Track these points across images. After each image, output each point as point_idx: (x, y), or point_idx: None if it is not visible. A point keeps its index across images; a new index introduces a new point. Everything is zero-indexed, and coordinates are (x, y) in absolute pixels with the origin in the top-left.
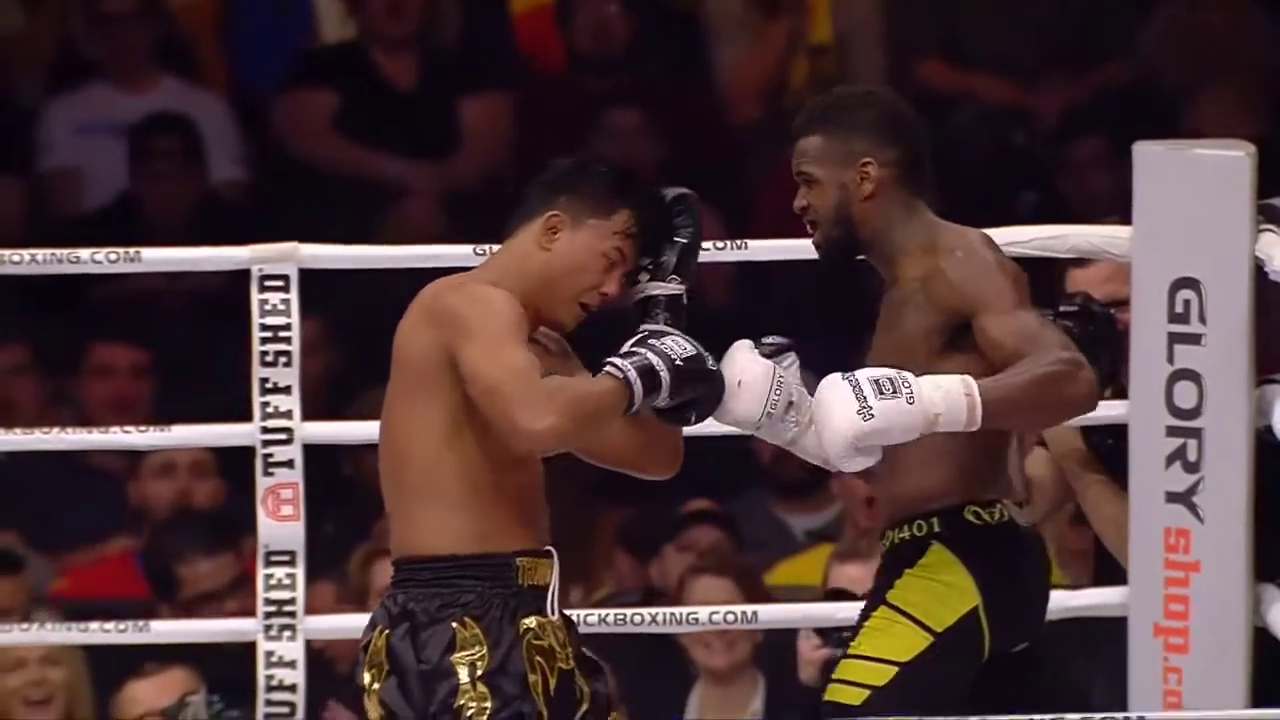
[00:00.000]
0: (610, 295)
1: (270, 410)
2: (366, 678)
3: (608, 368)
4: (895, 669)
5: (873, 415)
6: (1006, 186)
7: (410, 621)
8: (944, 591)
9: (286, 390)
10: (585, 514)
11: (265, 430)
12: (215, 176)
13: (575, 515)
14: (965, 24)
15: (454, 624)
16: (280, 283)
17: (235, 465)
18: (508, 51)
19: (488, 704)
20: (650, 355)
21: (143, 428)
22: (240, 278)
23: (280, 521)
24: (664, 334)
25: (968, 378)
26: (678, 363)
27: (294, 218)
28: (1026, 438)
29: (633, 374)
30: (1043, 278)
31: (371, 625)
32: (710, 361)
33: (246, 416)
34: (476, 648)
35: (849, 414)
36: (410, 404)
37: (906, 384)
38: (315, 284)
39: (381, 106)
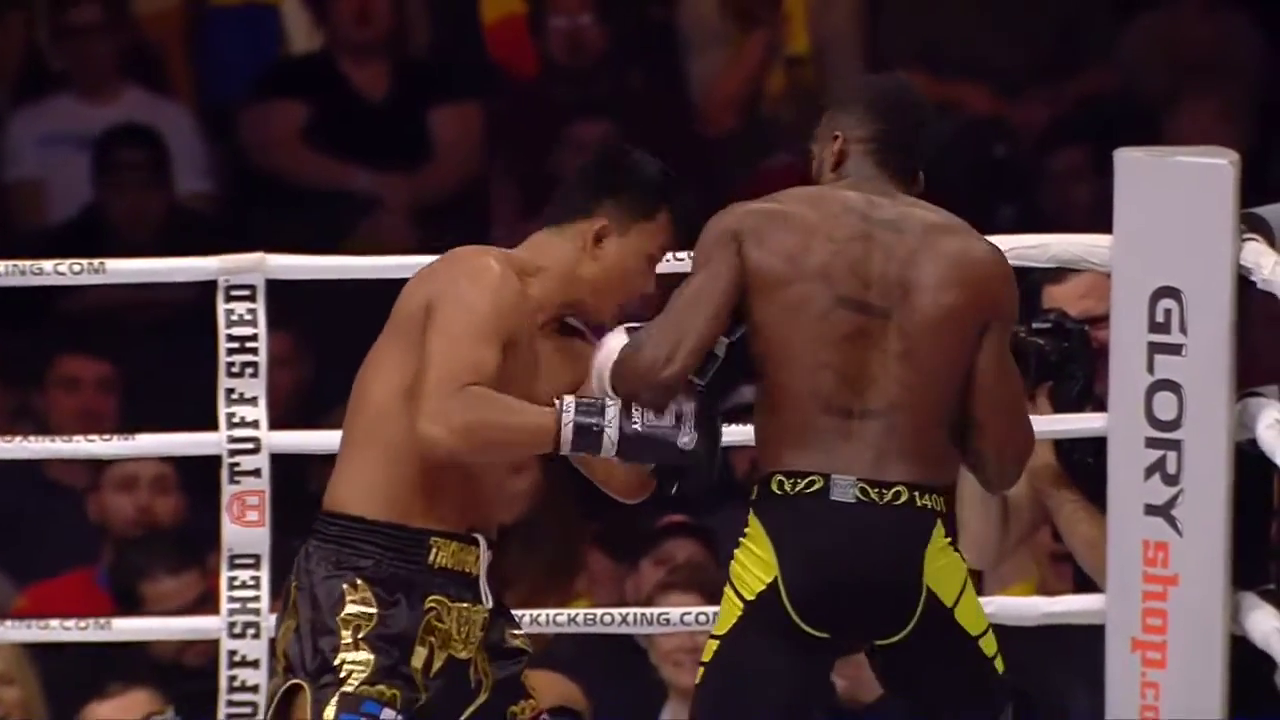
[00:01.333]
0: (649, 293)
1: (237, 420)
2: (279, 626)
3: (559, 403)
4: (717, 642)
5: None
6: (986, 198)
7: (310, 575)
8: (752, 561)
9: (253, 401)
10: (564, 524)
11: (232, 440)
12: (182, 189)
13: (553, 525)
14: (945, 33)
15: (344, 584)
16: (247, 293)
17: (199, 480)
18: (479, 61)
19: (366, 665)
20: (605, 415)
21: (107, 436)
22: (207, 291)
23: (245, 527)
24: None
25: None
26: (635, 429)
27: (262, 231)
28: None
29: (568, 427)
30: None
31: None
32: (685, 435)
33: (212, 426)
34: (365, 608)
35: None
36: (384, 354)
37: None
38: (285, 297)
39: (350, 117)
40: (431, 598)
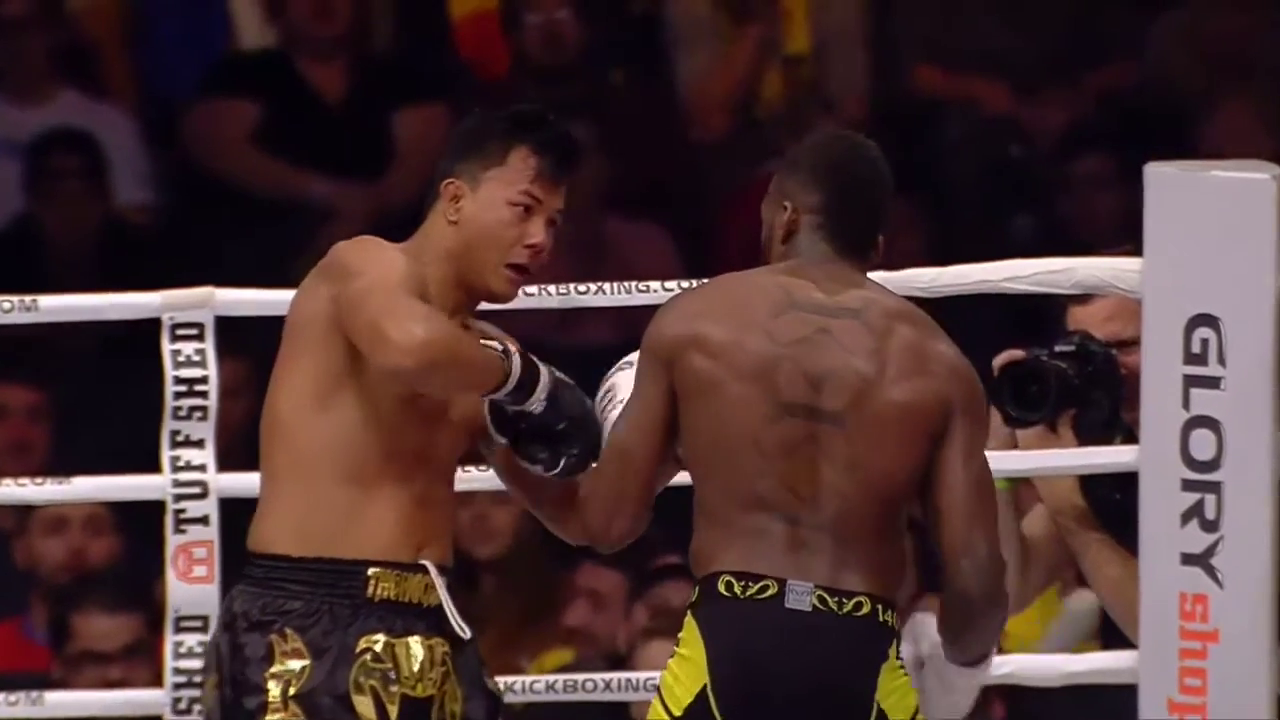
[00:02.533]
0: (540, 244)
1: (182, 464)
2: (203, 681)
3: (497, 344)
4: None
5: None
6: (1001, 207)
7: (233, 625)
8: (684, 669)
9: (200, 444)
10: (543, 562)
11: (177, 484)
12: (122, 199)
13: (541, 570)
14: (957, 26)
15: (273, 634)
16: (194, 331)
17: (138, 520)
18: (447, 59)
19: None
20: (545, 372)
21: (39, 480)
22: (153, 320)
23: (191, 584)
24: (571, 386)
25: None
26: (559, 375)
27: (210, 244)
28: (1023, 495)
29: (516, 362)
30: (1040, 312)
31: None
32: (600, 435)
33: (155, 463)
34: (294, 662)
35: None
36: (289, 369)
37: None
38: (237, 322)
39: (306, 120)
40: (367, 638)
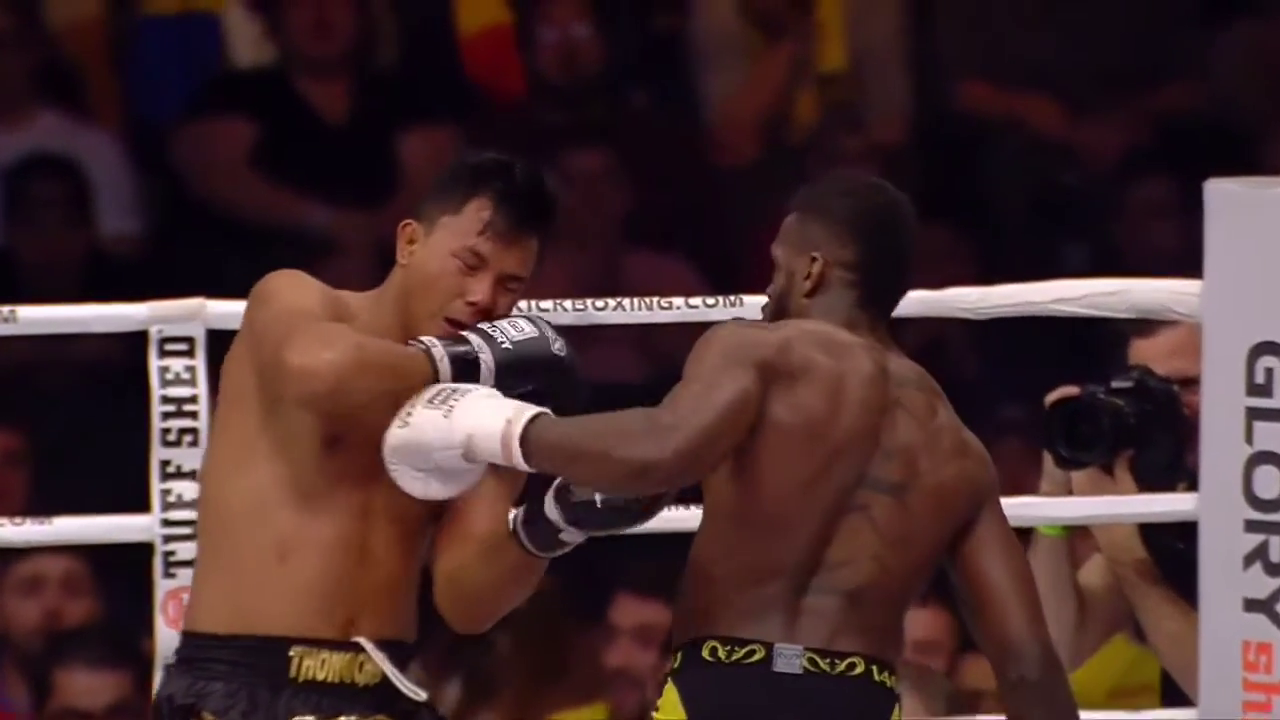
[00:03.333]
0: (480, 303)
1: (173, 499)
2: None
3: (418, 342)
4: None
5: (408, 424)
6: (1051, 235)
7: (159, 710)
8: None
9: (192, 475)
10: (577, 612)
11: (166, 523)
12: (107, 229)
13: (563, 615)
14: (1007, 41)
15: (192, 718)
16: (184, 345)
17: (120, 575)
18: (455, 79)
19: None
20: (472, 343)
21: (17, 520)
22: (136, 345)
23: None
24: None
25: (537, 409)
26: (507, 349)
27: (201, 277)
28: (1079, 543)
29: (443, 360)
30: (1095, 344)
31: None
32: (556, 341)
33: (143, 503)
34: None
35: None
36: (214, 432)
37: (461, 395)
38: (228, 347)
39: (306, 142)
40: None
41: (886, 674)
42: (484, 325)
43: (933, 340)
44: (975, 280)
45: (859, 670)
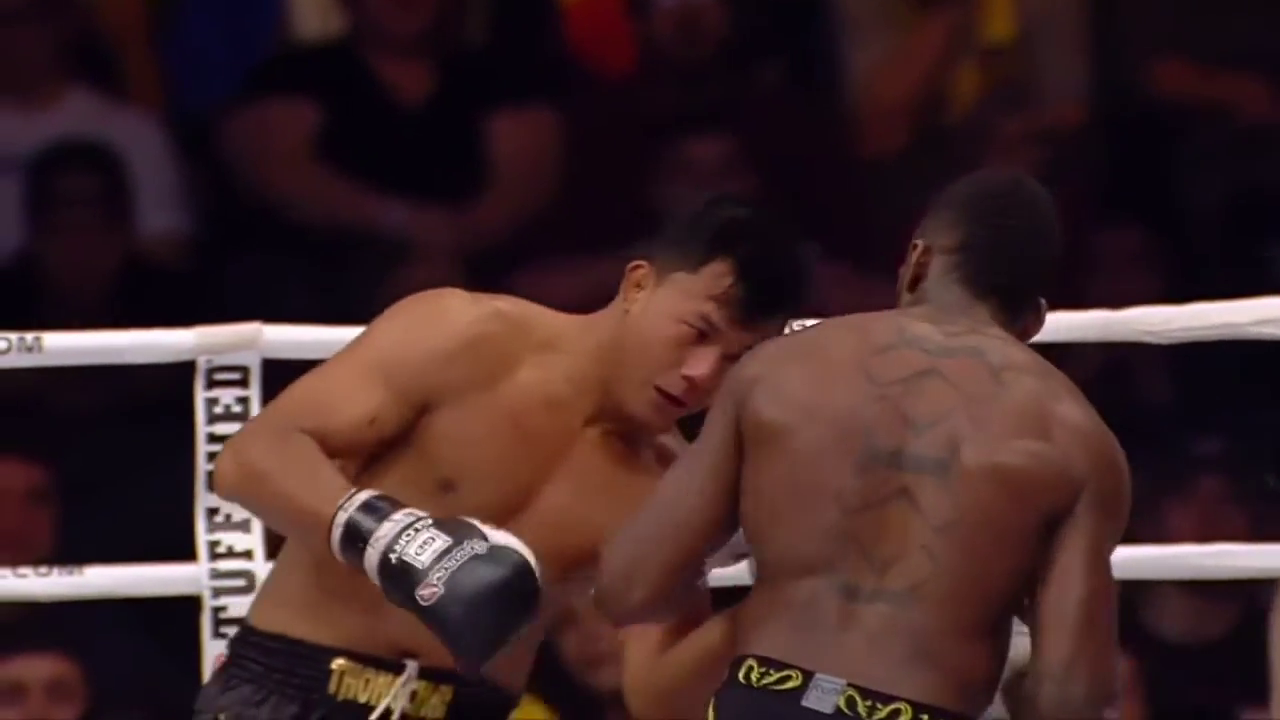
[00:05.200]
0: (699, 380)
1: (222, 550)
2: None
3: (347, 494)
4: None
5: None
6: (1254, 236)
7: (196, 714)
8: None
9: (244, 525)
10: None
11: (216, 575)
12: (146, 231)
13: None
14: (1207, 11)
15: None
16: (237, 375)
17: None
18: (554, 53)
19: None
20: (383, 524)
21: (43, 569)
22: (181, 372)
23: None
24: (443, 527)
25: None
26: (395, 556)
27: (255, 286)
28: None
29: (338, 529)
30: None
31: None
32: (430, 583)
33: (188, 551)
34: None
35: None
36: None
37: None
38: (285, 378)
39: (379, 129)
40: None
41: None
42: (408, 524)
43: (1115, 362)
44: (1165, 294)
45: None
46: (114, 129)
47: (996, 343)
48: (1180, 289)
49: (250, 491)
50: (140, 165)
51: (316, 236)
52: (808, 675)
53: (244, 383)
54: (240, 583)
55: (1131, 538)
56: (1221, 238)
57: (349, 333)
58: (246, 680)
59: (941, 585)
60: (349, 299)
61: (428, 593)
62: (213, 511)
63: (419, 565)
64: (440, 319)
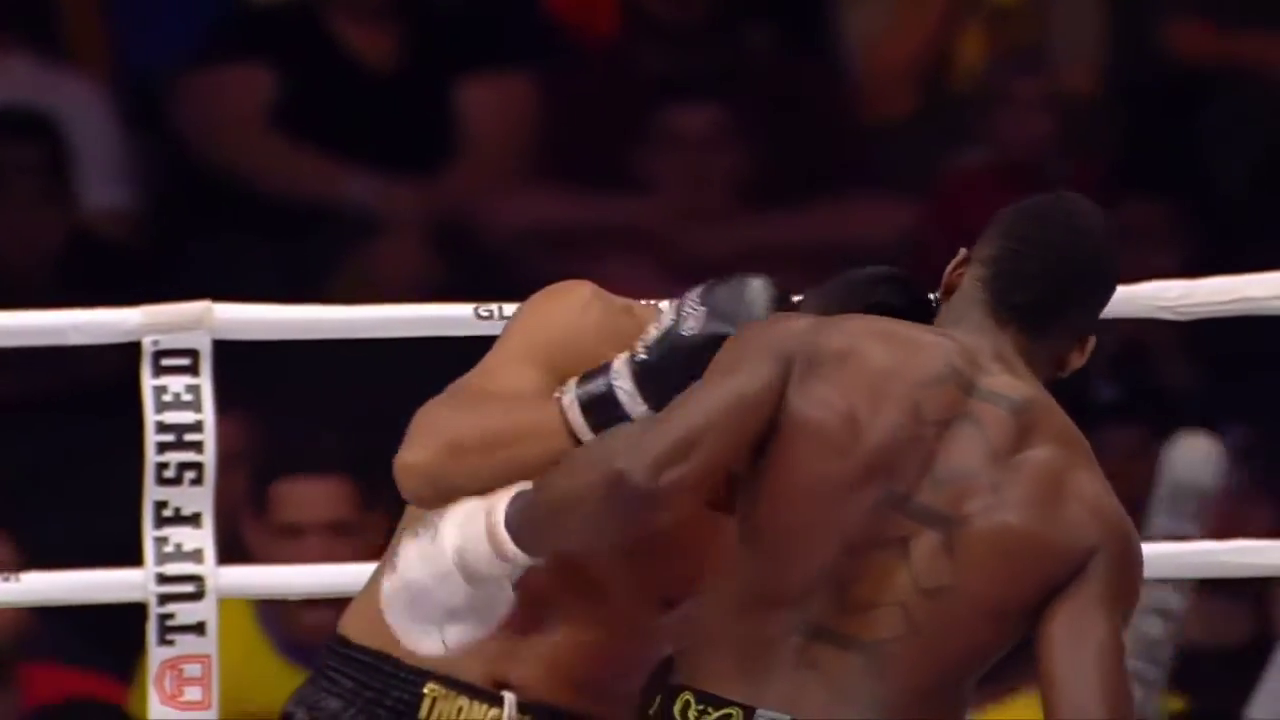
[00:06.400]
0: None
1: (170, 550)
2: None
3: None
4: None
5: (394, 567)
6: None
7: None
8: None
9: (194, 520)
10: None
11: (163, 579)
12: (91, 204)
13: None
14: None
15: None
16: (186, 360)
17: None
18: (532, 14)
19: None
20: (611, 369)
21: None
22: (126, 358)
23: (182, 710)
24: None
25: (512, 490)
26: (640, 356)
27: (208, 264)
28: None
29: (572, 407)
30: None
31: None
32: (688, 324)
33: (134, 560)
34: None
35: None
36: None
37: (439, 518)
38: (241, 364)
39: (343, 95)
40: None
41: None
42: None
43: (1132, 342)
44: (1187, 268)
45: None
46: (56, 95)
47: (1026, 391)
48: (1203, 266)
49: (443, 464)
50: (84, 134)
51: (276, 210)
52: (749, 712)
53: (193, 368)
54: (189, 588)
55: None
56: (1247, 210)
57: (308, 311)
58: (336, 694)
59: (911, 648)
60: (311, 276)
61: (691, 322)
62: (160, 505)
63: (669, 323)
64: (565, 296)
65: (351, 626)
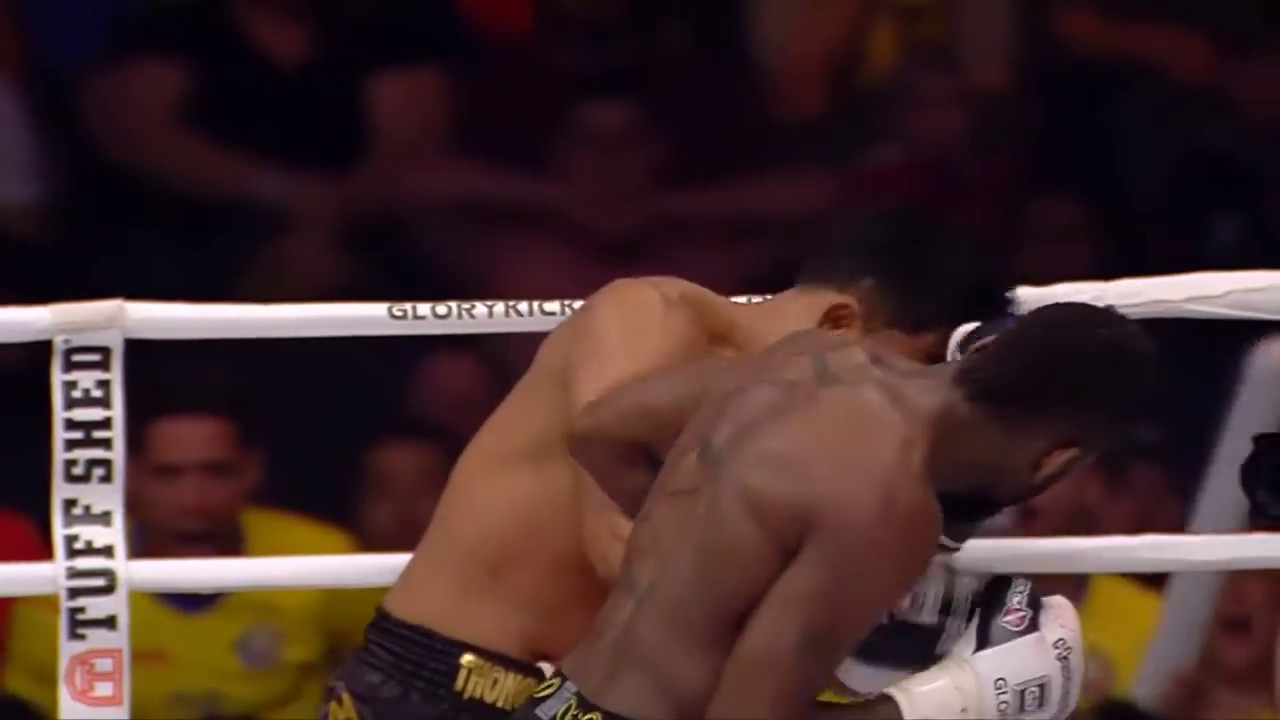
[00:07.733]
0: None
1: (80, 545)
2: None
3: None
4: None
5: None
6: (1195, 205)
7: (325, 697)
8: None
9: (104, 518)
10: None
11: (73, 574)
12: (1, 198)
13: None
14: None
15: (333, 702)
16: (97, 357)
17: None
18: (445, 12)
19: None
20: None
21: None
22: (35, 353)
23: (94, 706)
24: None
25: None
26: None
27: (119, 261)
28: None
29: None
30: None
31: None
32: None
33: (44, 553)
34: None
35: None
36: (493, 419)
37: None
38: (149, 359)
39: (252, 92)
40: None
41: None
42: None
43: None
44: (1098, 267)
45: None
46: None
47: (857, 366)
48: (1113, 266)
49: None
50: None
51: (186, 207)
52: (564, 680)
53: (104, 365)
54: (100, 582)
55: (1066, 529)
56: (1160, 210)
57: (219, 310)
58: (374, 667)
59: (664, 591)
60: (221, 274)
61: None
62: (69, 504)
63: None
64: (650, 303)
65: (393, 602)
